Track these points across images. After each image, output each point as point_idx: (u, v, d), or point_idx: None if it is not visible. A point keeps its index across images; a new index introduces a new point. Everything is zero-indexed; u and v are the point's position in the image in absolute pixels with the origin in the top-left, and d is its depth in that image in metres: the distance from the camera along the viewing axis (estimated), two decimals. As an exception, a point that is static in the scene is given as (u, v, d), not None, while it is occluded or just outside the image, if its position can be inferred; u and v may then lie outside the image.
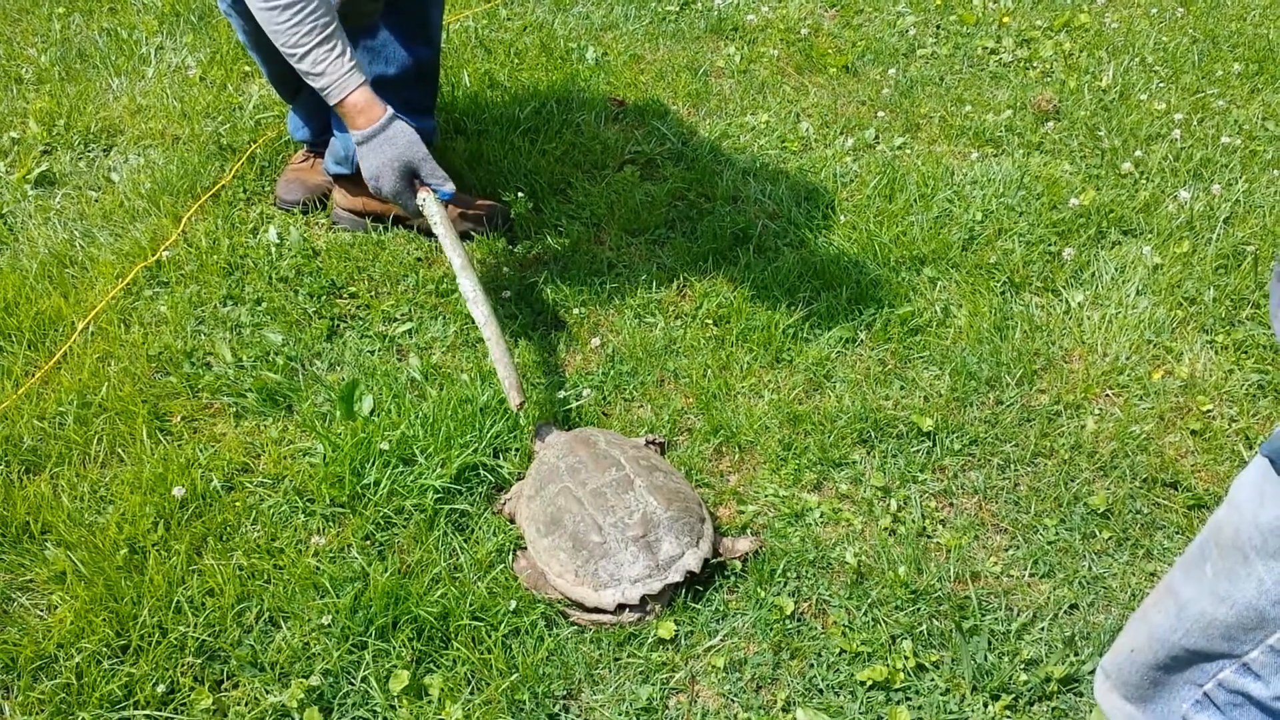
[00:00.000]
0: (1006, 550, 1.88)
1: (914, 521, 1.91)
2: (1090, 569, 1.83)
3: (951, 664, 1.68)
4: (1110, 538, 1.88)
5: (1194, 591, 1.21)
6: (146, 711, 1.60)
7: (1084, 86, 3.25)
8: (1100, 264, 2.50)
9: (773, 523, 1.91)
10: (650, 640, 1.71)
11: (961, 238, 2.58)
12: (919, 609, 1.76)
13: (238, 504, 1.92)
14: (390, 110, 2.08)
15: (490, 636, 1.70)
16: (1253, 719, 1.23)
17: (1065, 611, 1.76)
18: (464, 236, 2.60)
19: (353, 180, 2.57)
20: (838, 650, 1.69)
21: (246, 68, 3.37)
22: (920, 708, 1.62)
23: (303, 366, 2.24)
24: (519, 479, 1.97)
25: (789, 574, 1.81)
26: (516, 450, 2.03)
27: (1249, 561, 1.12)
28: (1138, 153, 2.90)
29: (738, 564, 1.82)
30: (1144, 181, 2.79)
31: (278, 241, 2.57)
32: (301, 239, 2.58)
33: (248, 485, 1.97)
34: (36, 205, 2.74)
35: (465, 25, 3.61)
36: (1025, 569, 1.84)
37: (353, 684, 1.65)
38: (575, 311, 2.39)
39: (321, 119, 2.65)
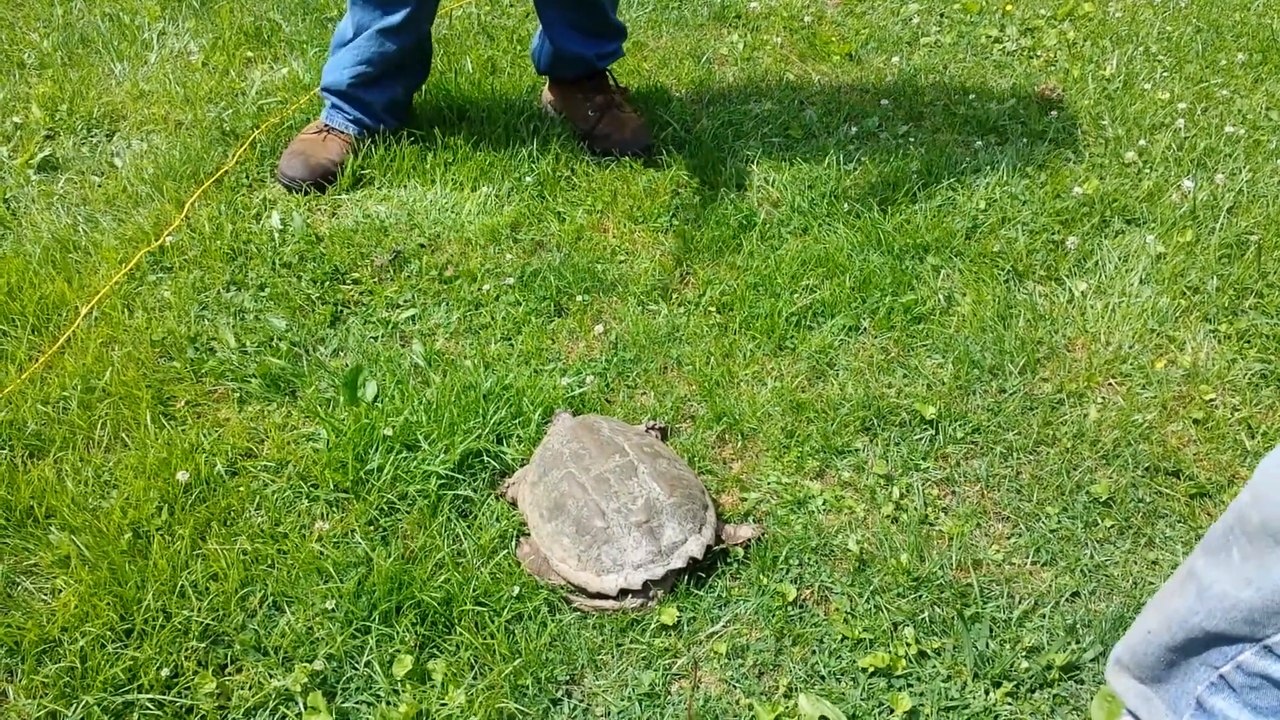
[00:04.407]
0: (1008, 538, 1.88)
1: (916, 509, 1.91)
2: (1092, 557, 1.84)
3: (953, 651, 1.68)
4: (1112, 526, 1.89)
5: (1219, 575, 1.21)
6: (150, 695, 1.60)
7: (1088, 75, 3.24)
8: (1103, 253, 2.50)
9: (775, 510, 1.91)
10: (653, 626, 1.71)
11: (965, 226, 2.57)
12: (921, 596, 1.76)
13: (241, 489, 1.93)
14: None
15: (493, 622, 1.70)
16: (1271, 700, 1.23)
17: (1067, 599, 1.77)
18: (605, 153, 2.86)
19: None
20: (840, 637, 1.70)
21: (249, 53, 3.37)
22: (922, 694, 1.62)
23: (306, 352, 2.24)
24: (522, 464, 1.98)
25: (791, 561, 1.81)
26: (519, 437, 2.03)
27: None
28: (1141, 142, 2.89)
29: (740, 551, 1.82)
30: (1147, 171, 2.79)
31: (281, 227, 2.57)
32: (305, 225, 2.58)
33: (251, 470, 1.97)
34: (40, 190, 2.74)
35: (468, 11, 3.60)
36: (1027, 557, 1.84)
37: (356, 668, 1.65)
38: (579, 299, 2.39)
39: (370, 68, 2.72)
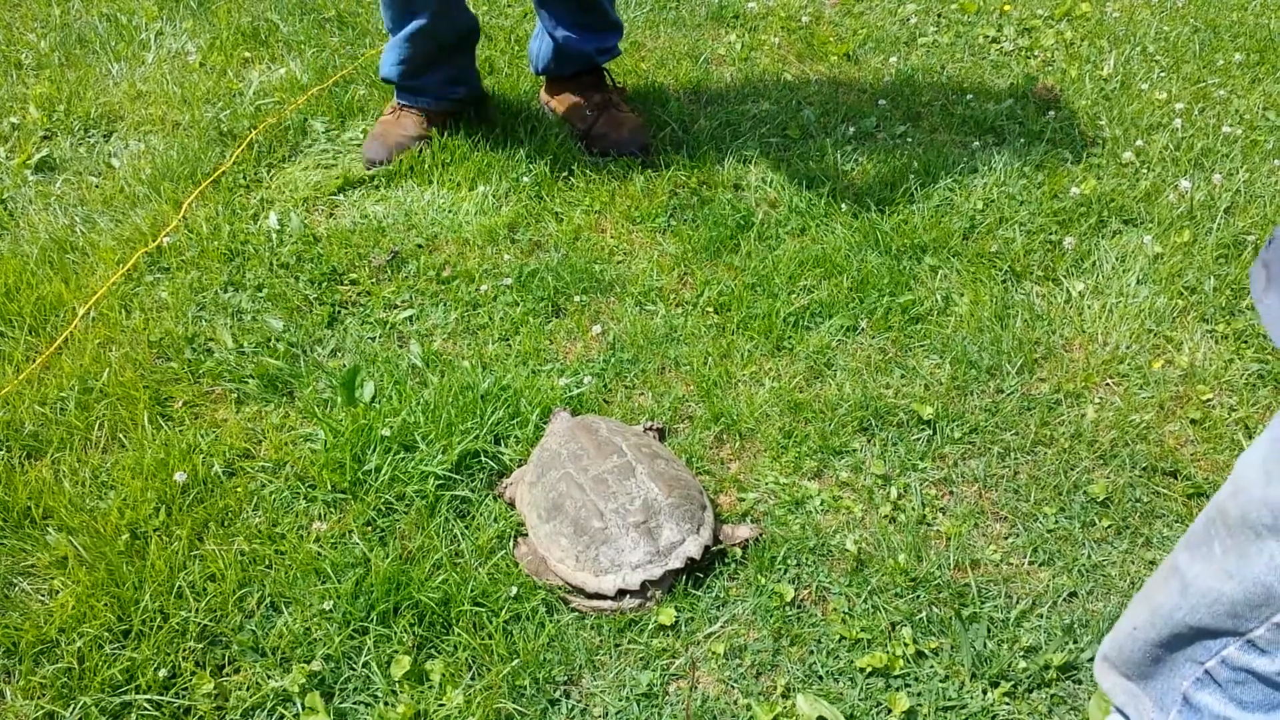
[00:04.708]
0: (1006, 538, 1.88)
1: (914, 509, 1.92)
2: (1089, 557, 1.84)
3: (951, 651, 1.68)
4: (1109, 526, 1.89)
5: (1201, 569, 1.21)
6: (148, 696, 1.60)
7: (1085, 75, 3.24)
8: (1101, 253, 2.50)
9: (773, 510, 1.91)
10: (651, 626, 1.71)
11: (962, 226, 2.57)
12: (919, 596, 1.76)
13: (239, 490, 1.93)
14: None
15: (491, 622, 1.70)
16: (1256, 695, 1.23)
17: (1064, 599, 1.77)
18: (603, 153, 2.86)
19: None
20: (838, 637, 1.70)
21: (246, 53, 3.37)
22: (919, 694, 1.62)
23: (304, 353, 2.24)
24: (520, 465, 1.98)
25: (789, 561, 1.81)
26: (517, 437, 2.03)
27: (1260, 539, 1.12)
28: (1139, 142, 2.90)
29: (738, 551, 1.82)
30: (1145, 171, 2.79)
31: (278, 228, 2.57)
32: (302, 225, 2.58)
33: (249, 471, 1.97)
34: (37, 191, 2.74)
35: (466, 12, 3.60)
36: (1025, 557, 1.84)
37: (354, 669, 1.65)
38: (576, 299, 2.39)
39: (413, 64, 2.79)
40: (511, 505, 1.91)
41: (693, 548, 1.76)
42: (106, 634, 1.67)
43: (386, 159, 2.80)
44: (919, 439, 2.05)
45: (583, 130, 2.93)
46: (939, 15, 3.67)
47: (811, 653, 1.68)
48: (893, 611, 1.74)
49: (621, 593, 1.73)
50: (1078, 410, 2.11)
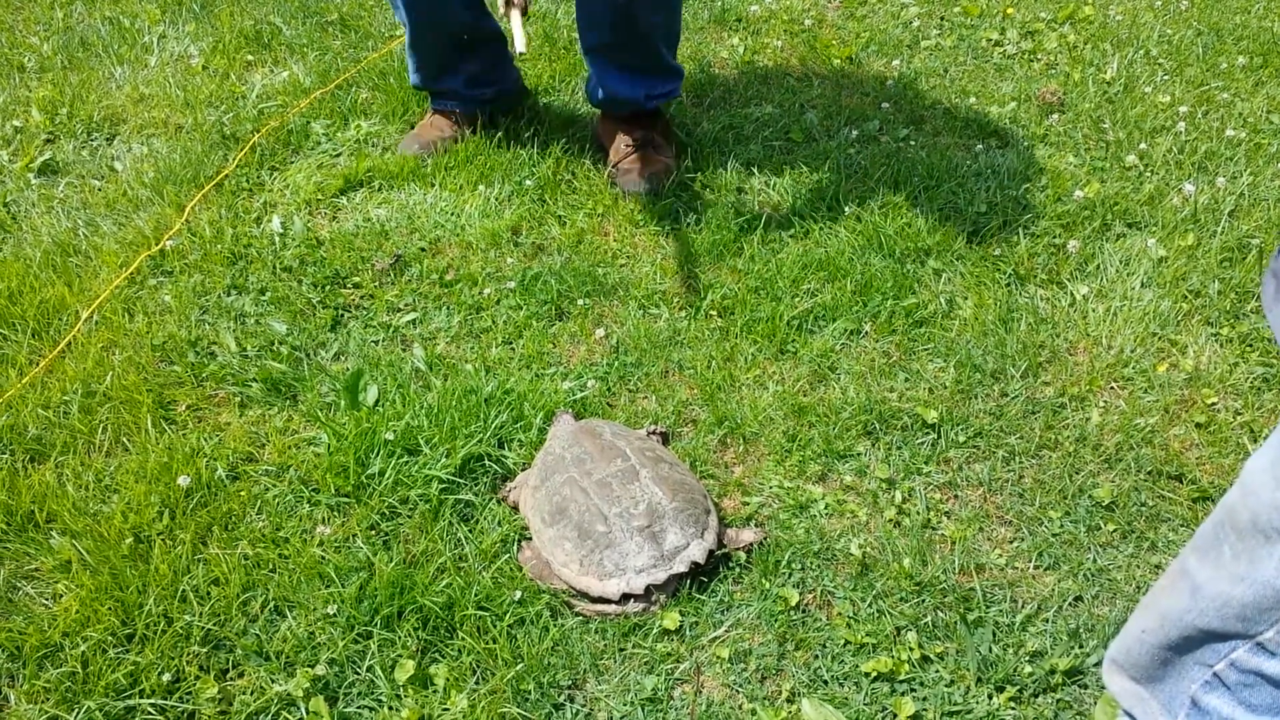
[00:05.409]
0: (1011, 542, 1.88)
1: (919, 513, 1.91)
2: (1095, 561, 1.83)
3: (956, 656, 1.68)
4: (1115, 530, 1.89)
5: (1211, 573, 1.21)
6: (152, 700, 1.60)
7: (1088, 79, 3.24)
8: (1105, 256, 2.50)
9: (777, 514, 1.91)
10: (655, 631, 1.71)
11: (966, 230, 2.57)
12: (924, 601, 1.76)
13: (243, 493, 1.92)
14: None
15: (495, 626, 1.70)
16: (1265, 698, 1.23)
17: (1070, 604, 1.77)
18: (623, 188, 2.75)
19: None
20: (842, 641, 1.69)
21: (249, 57, 3.37)
22: (925, 699, 1.62)
23: (307, 356, 2.24)
24: (524, 469, 1.97)
25: (794, 565, 1.81)
26: (521, 441, 2.02)
27: (1270, 542, 1.12)
28: (1142, 145, 2.89)
29: (742, 555, 1.82)
30: (1148, 174, 2.79)
31: (281, 231, 2.57)
32: (305, 229, 2.58)
33: (252, 475, 1.97)
34: (40, 194, 2.74)
35: (468, 15, 3.60)
36: (1030, 561, 1.84)
37: (358, 673, 1.65)
38: (580, 303, 2.38)
39: (427, 68, 2.84)
40: (515, 509, 1.91)
41: (697, 552, 1.76)
42: (110, 638, 1.67)
43: (420, 154, 2.87)
44: (923, 443, 2.05)
45: (613, 161, 2.82)
46: (942, 18, 3.67)
47: (816, 657, 1.68)
48: (898, 616, 1.73)
49: (625, 597, 1.72)
50: (1082, 414, 2.11)
